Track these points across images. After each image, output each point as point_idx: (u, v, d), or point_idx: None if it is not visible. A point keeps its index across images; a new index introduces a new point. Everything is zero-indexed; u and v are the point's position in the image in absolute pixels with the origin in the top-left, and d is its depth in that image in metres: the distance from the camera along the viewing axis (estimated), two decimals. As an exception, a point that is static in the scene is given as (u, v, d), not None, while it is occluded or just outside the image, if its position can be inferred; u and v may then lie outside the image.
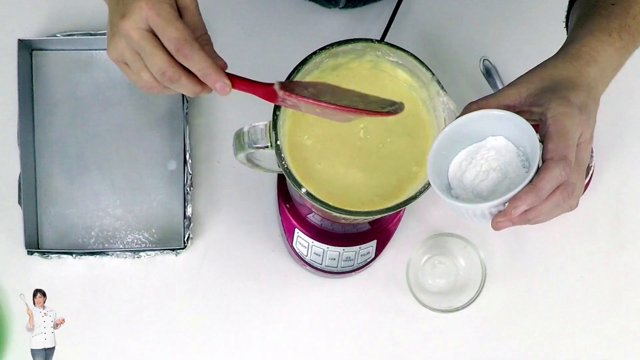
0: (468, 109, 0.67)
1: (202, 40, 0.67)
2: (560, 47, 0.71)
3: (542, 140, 0.62)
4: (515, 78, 0.67)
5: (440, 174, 0.66)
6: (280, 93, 0.65)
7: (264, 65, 0.99)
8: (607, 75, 0.68)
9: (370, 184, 0.74)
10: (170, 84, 0.67)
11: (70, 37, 0.97)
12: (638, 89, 1.02)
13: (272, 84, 0.67)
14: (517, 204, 0.60)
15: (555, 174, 0.60)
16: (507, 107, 0.65)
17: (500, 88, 0.96)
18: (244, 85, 0.67)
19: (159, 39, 0.65)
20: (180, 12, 0.67)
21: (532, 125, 0.62)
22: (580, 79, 0.66)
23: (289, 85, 0.66)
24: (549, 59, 0.69)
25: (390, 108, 0.65)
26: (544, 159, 0.61)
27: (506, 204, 0.60)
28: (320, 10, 1.01)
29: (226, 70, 0.68)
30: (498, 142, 0.65)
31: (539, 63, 0.68)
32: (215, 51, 0.68)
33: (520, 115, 0.63)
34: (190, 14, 0.68)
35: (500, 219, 0.61)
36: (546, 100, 0.64)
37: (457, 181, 0.65)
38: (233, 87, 0.67)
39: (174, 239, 0.97)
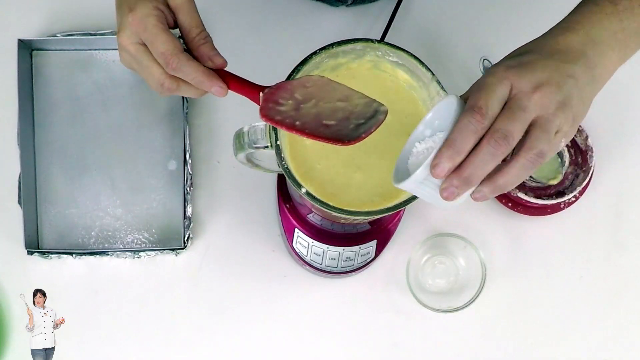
0: None
1: (198, 39, 0.67)
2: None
3: None
4: None
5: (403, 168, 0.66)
6: (262, 119, 0.65)
7: (264, 65, 0.99)
8: (601, 40, 0.66)
9: (370, 184, 0.74)
10: (171, 93, 0.68)
11: (70, 37, 0.97)
12: (638, 89, 1.02)
13: (259, 89, 0.66)
14: (436, 161, 0.59)
15: (464, 122, 0.59)
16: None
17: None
18: (238, 86, 0.67)
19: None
20: (173, 14, 0.68)
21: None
22: (544, 45, 0.65)
23: (276, 93, 0.66)
24: None
25: (365, 124, 0.65)
26: None
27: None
28: (320, 9, 1.01)
29: (225, 69, 0.68)
30: (435, 124, 0.65)
31: None
32: (214, 48, 0.68)
33: None
34: (184, 13, 0.68)
35: (443, 186, 0.61)
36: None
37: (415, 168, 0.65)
38: (229, 88, 0.67)
39: (174, 239, 0.97)
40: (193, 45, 0.68)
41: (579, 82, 0.63)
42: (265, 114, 0.65)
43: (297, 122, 0.64)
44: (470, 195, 0.62)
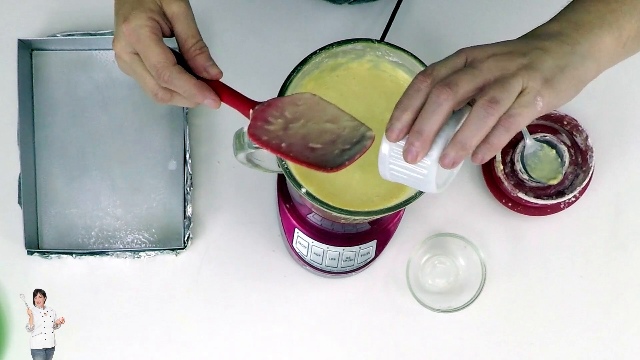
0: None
1: (194, 49, 0.67)
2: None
3: None
4: None
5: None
6: (249, 139, 0.65)
7: (265, 63, 0.99)
8: (585, 22, 0.65)
9: (370, 184, 0.74)
10: (165, 103, 0.68)
11: (70, 37, 0.97)
12: (638, 89, 1.02)
13: (250, 105, 0.66)
14: (387, 125, 0.60)
15: (409, 86, 0.60)
16: None
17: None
18: (231, 100, 0.67)
19: None
20: (170, 22, 0.67)
21: None
22: (524, 36, 0.65)
23: (267, 110, 0.66)
24: None
25: (350, 149, 0.64)
26: None
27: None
28: (321, 8, 1.01)
29: (220, 79, 0.68)
30: None
31: None
32: (210, 58, 0.68)
33: None
34: (181, 23, 0.67)
35: (404, 149, 0.60)
36: None
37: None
38: (222, 100, 0.67)
39: (174, 239, 0.97)
40: (189, 55, 0.67)
41: (550, 52, 0.61)
42: (252, 133, 0.65)
43: (283, 144, 0.64)
44: (440, 163, 0.60)
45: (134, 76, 0.69)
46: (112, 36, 0.95)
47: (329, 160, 0.63)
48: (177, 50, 0.69)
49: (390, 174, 0.63)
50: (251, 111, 0.66)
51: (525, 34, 0.65)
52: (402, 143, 0.60)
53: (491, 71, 0.59)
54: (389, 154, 0.62)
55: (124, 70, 0.69)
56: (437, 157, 0.60)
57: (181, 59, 0.68)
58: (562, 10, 0.67)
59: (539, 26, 0.66)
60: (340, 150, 0.64)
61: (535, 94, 0.59)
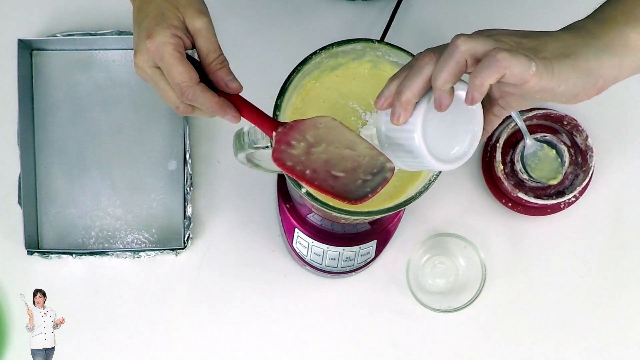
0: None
1: (215, 63, 0.68)
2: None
3: None
4: None
5: None
6: (275, 163, 0.65)
7: (264, 64, 0.99)
8: (606, 18, 0.63)
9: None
10: (185, 115, 0.70)
11: (70, 37, 0.97)
12: (638, 89, 1.02)
13: (274, 126, 0.67)
14: (381, 91, 0.62)
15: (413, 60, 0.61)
16: None
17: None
18: (252, 116, 0.68)
19: None
20: (192, 37, 0.68)
21: None
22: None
23: (289, 132, 0.66)
24: None
25: (372, 180, 0.65)
26: None
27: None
28: (321, 9, 1.01)
29: (240, 94, 0.68)
30: None
31: None
32: (230, 73, 0.69)
33: None
34: (203, 38, 0.68)
35: (391, 111, 0.61)
36: None
37: None
38: (242, 115, 0.68)
39: (174, 239, 0.97)
40: (210, 69, 0.68)
41: (559, 40, 0.60)
42: (277, 158, 0.65)
43: (308, 171, 0.64)
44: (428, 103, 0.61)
45: (155, 87, 0.69)
46: (113, 36, 0.96)
47: (352, 190, 0.64)
48: (196, 58, 0.69)
49: (388, 152, 0.64)
50: (274, 134, 0.66)
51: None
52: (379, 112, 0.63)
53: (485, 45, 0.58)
54: (386, 133, 0.63)
55: (144, 79, 0.70)
56: (421, 120, 0.61)
57: (200, 69, 0.68)
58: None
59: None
60: (362, 181, 0.64)
61: (530, 57, 0.57)
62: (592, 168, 0.95)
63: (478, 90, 0.58)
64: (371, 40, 0.74)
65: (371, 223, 0.92)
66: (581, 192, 0.96)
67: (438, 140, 0.61)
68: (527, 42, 0.59)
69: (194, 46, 0.69)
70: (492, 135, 0.99)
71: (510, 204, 0.97)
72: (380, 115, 0.64)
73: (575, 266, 0.99)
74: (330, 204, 0.70)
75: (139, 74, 0.70)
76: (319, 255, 0.93)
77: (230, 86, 0.68)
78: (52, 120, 0.98)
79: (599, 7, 0.65)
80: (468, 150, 0.64)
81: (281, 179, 0.94)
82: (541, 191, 0.97)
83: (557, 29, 0.63)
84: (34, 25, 1.00)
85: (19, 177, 0.94)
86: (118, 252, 0.95)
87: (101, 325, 0.96)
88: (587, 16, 0.65)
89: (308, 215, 0.91)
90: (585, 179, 0.95)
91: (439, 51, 0.60)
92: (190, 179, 0.95)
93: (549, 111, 0.96)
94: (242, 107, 0.68)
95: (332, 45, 0.73)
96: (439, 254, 0.98)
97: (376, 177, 0.64)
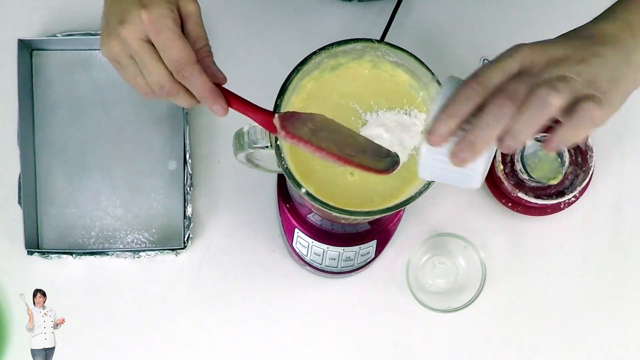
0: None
1: (202, 52, 0.66)
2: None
3: None
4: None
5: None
6: (282, 133, 0.64)
7: (264, 63, 0.99)
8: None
9: (369, 184, 0.74)
10: (166, 97, 0.66)
11: (70, 37, 0.97)
12: (638, 89, 1.01)
13: (272, 114, 0.66)
14: (436, 124, 0.56)
15: (459, 90, 0.57)
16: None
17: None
18: (242, 108, 0.67)
19: (158, 52, 0.64)
20: (182, 20, 0.66)
21: None
22: (573, 32, 0.62)
23: (290, 119, 0.65)
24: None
25: (384, 161, 0.64)
26: None
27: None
28: (321, 9, 1.01)
29: (225, 86, 0.68)
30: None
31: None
32: (215, 63, 0.67)
33: None
34: (193, 22, 0.66)
35: (452, 151, 0.57)
36: None
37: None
38: (231, 107, 0.67)
39: (174, 239, 0.97)
40: (199, 55, 0.66)
41: (607, 61, 0.58)
42: (289, 131, 0.63)
43: (323, 143, 0.63)
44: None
45: (132, 61, 0.65)
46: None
47: (371, 164, 0.63)
48: None
49: (431, 174, 0.61)
50: (276, 115, 0.66)
51: (578, 30, 0.62)
52: (424, 142, 0.59)
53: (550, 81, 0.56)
54: (431, 155, 0.59)
55: (112, 56, 0.65)
56: (485, 163, 0.58)
57: None
58: (615, 5, 0.63)
59: (592, 22, 0.62)
60: (374, 161, 0.63)
61: (603, 102, 0.57)
62: (592, 168, 0.95)
63: (566, 144, 0.57)
64: (371, 40, 0.74)
65: (371, 223, 0.92)
66: (581, 192, 0.96)
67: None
68: (585, 71, 0.57)
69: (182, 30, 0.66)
70: (492, 135, 0.98)
71: (510, 204, 0.97)
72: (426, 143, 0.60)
73: (575, 266, 0.99)
74: (330, 203, 0.71)
75: (113, 50, 0.65)
76: (319, 255, 0.93)
77: (217, 75, 0.67)
78: (52, 120, 0.98)
79: (621, 4, 0.63)
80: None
81: (281, 179, 0.94)
82: (541, 191, 0.97)
83: (584, 26, 0.61)
84: (34, 25, 1.00)
85: (19, 177, 0.94)
86: (118, 252, 0.95)
87: (101, 325, 0.96)
88: (614, 16, 0.62)
89: (308, 215, 0.91)
90: (585, 179, 0.95)
91: (516, 97, 0.55)
92: (190, 179, 0.95)
93: (549, 111, 0.96)
94: (230, 98, 0.67)
95: (332, 45, 0.73)
96: (439, 254, 0.98)
97: (387, 159, 0.64)
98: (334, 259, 0.93)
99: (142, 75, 0.65)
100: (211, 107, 0.66)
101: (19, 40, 0.96)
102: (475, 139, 0.56)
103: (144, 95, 0.67)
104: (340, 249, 0.92)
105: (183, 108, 0.97)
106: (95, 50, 0.99)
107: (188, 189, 0.95)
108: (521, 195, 0.94)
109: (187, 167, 0.95)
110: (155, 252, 0.95)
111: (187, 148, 0.95)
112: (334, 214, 0.71)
